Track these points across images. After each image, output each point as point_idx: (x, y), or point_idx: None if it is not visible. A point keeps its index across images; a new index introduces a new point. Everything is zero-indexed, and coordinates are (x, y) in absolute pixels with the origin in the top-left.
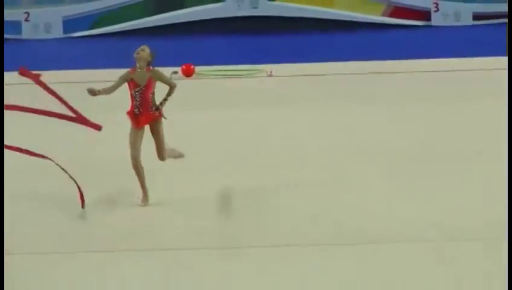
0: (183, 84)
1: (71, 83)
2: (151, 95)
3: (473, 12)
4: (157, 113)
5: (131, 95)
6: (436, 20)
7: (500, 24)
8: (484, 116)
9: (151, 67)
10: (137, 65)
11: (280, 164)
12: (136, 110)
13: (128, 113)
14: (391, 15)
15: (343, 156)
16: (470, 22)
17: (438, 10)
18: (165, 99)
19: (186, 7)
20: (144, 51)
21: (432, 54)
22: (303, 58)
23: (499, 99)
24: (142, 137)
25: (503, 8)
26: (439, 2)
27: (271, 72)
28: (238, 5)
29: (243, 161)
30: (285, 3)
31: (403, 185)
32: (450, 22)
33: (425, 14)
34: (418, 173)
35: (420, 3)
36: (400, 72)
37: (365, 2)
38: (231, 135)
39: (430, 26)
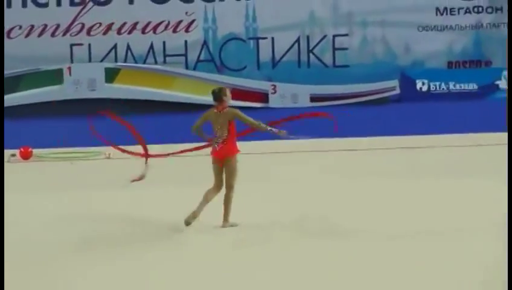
0: (21, 168)
1: None
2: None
3: (310, 94)
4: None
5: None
6: (274, 101)
7: (336, 106)
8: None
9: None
10: None
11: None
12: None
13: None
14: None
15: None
16: (307, 103)
17: (275, 92)
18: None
19: (23, 90)
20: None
21: (268, 135)
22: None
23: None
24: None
25: (339, 90)
26: (277, 84)
27: (109, 154)
28: (76, 88)
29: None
30: (123, 86)
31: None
32: (288, 103)
33: (263, 96)
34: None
35: (258, 85)
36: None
37: (203, 84)
38: (71, 216)
39: (268, 107)
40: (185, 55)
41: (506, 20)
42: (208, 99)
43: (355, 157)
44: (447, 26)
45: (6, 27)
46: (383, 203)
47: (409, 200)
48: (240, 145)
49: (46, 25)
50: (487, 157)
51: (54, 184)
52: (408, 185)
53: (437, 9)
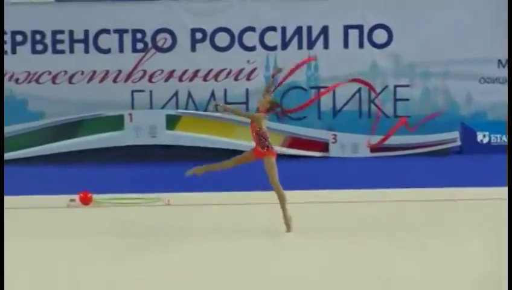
0: (80, 213)
1: None
2: (255, 135)
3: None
4: (263, 151)
5: None
6: (334, 151)
7: (396, 156)
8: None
9: (263, 113)
10: None
11: None
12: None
13: None
14: (290, 146)
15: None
16: (367, 153)
17: (336, 142)
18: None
19: (84, 135)
20: (263, 97)
21: (329, 185)
22: (202, 188)
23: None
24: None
25: (400, 141)
26: (338, 134)
27: (168, 200)
28: (137, 134)
29: None
30: (183, 133)
31: None
32: (348, 153)
33: (323, 145)
34: None
35: (319, 134)
36: (296, 203)
37: None
38: (124, 264)
39: (328, 157)
40: (246, 103)
41: None
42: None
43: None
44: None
45: (70, 72)
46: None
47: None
48: None
49: (108, 71)
50: None
51: (112, 230)
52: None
53: (499, 61)
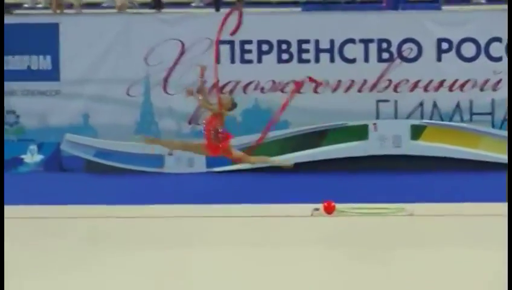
0: (324, 221)
1: (209, 217)
2: (212, 132)
3: None
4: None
5: None
6: None
7: None
8: None
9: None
10: None
11: None
12: None
13: None
14: None
15: None
16: None
17: None
18: None
19: (328, 144)
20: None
21: None
22: (445, 198)
23: None
24: None
25: None
26: None
27: (413, 211)
28: (381, 144)
29: None
30: (428, 143)
31: None
32: None
33: None
34: None
35: None
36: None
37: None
38: (371, 275)
39: None
40: (492, 114)
41: None
42: None
43: None
44: None
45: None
46: None
47: None
48: None
49: (353, 81)
50: None
51: (354, 240)
52: None
53: None
